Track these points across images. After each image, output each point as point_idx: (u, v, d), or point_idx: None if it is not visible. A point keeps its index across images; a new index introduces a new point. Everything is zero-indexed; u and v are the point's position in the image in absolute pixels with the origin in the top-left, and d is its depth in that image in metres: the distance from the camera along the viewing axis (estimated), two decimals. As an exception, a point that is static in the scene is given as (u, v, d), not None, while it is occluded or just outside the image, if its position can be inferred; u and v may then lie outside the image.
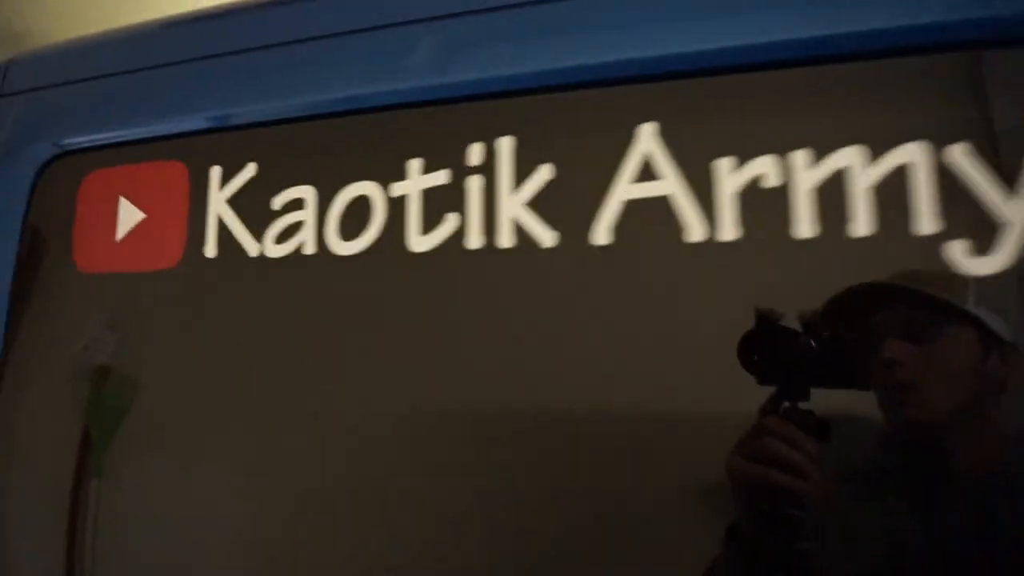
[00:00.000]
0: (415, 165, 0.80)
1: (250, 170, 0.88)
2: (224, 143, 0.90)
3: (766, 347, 0.51)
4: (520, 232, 0.75)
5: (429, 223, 0.79)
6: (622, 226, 0.72)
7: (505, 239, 0.76)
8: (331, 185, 0.83)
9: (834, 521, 0.50)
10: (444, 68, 0.79)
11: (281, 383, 0.84)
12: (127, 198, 0.95)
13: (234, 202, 0.88)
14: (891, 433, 0.52)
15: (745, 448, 0.49)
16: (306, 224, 0.84)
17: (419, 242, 0.79)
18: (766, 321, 0.55)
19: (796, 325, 0.53)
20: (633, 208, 0.72)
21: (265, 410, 0.84)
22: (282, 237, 0.85)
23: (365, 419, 0.81)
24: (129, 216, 0.94)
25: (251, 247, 0.87)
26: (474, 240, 0.77)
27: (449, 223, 0.78)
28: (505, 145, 0.77)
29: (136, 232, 0.94)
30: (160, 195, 0.93)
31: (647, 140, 0.72)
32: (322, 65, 0.84)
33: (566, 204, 0.74)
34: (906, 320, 0.53)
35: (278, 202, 0.86)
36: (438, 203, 0.79)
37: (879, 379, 0.49)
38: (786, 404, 0.49)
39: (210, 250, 0.89)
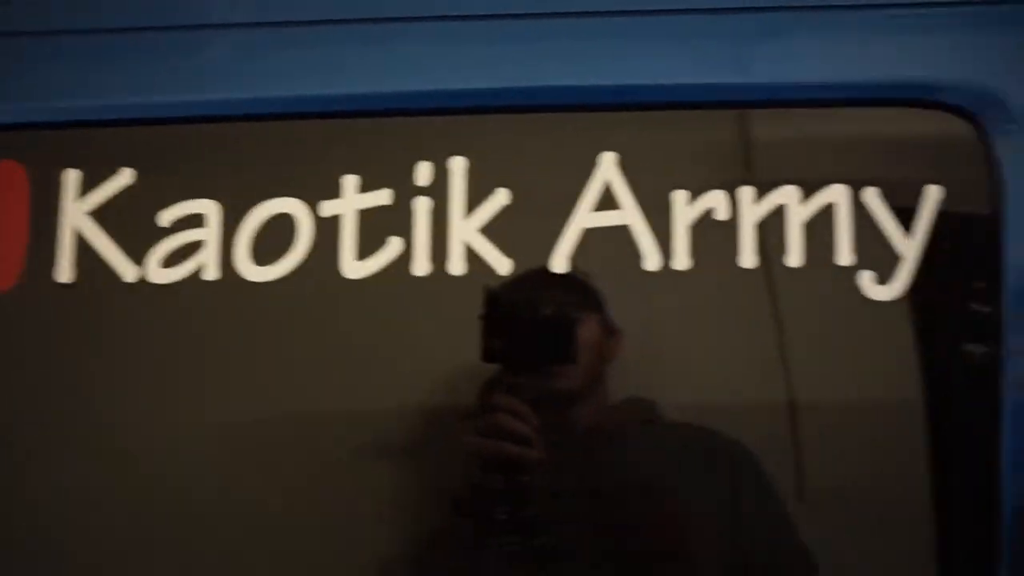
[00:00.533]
0: (351, 182, 0.72)
1: (125, 177, 0.73)
2: (86, 142, 0.74)
3: (495, 327, 0.54)
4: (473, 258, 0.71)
5: (367, 247, 0.72)
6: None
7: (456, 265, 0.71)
8: (242, 201, 0.72)
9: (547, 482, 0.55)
10: (388, 76, 0.73)
11: (169, 426, 0.70)
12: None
13: (100, 216, 0.72)
14: (560, 399, 0.60)
15: (477, 424, 0.50)
16: (207, 245, 0.71)
17: (355, 268, 0.71)
18: (492, 304, 0.61)
19: (519, 307, 0.58)
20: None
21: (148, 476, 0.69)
22: (173, 259, 0.71)
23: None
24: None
25: (127, 270, 0.71)
26: (421, 266, 0.71)
27: (392, 247, 0.71)
28: (457, 166, 0.72)
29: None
30: (-20, 202, 0.73)
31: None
32: (236, 57, 0.73)
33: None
34: (571, 303, 0.62)
35: (167, 218, 0.72)
36: (379, 225, 0.72)
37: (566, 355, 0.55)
38: (511, 379, 0.50)
39: (63, 273, 0.71)
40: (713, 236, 0.72)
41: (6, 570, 0.68)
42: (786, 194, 0.73)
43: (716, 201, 0.72)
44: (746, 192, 0.73)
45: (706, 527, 0.57)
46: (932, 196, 0.72)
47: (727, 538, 0.58)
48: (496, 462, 0.51)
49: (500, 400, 0.52)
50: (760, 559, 0.59)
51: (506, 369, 0.53)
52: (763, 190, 0.73)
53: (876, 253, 0.71)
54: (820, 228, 0.72)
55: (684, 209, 0.72)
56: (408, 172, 0.72)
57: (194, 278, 0.71)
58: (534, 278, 0.62)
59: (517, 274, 0.62)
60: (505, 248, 0.71)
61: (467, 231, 0.72)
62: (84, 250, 0.72)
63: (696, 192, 0.73)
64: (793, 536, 0.61)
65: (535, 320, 0.55)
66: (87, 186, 0.73)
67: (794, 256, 0.71)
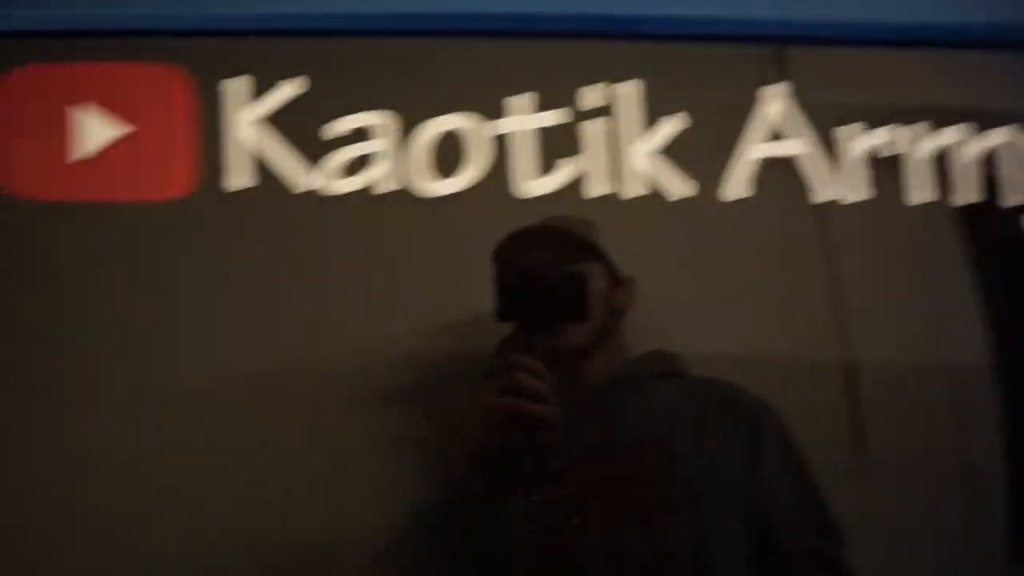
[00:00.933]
0: (521, 102, 0.72)
1: (297, 85, 0.72)
2: (257, 49, 0.73)
3: (507, 286, 0.55)
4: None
5: (542, 166, 0.72)
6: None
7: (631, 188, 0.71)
8: (416, 114, 0.72)
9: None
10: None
11: (344, 332, 0.69)
12: (89, 107, 0.72)
13: (273, 123, 0.72)
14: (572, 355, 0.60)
15: (496, 384, 0.52)
16: (381, 157, 0.71)
17: (531, 186, 0.71)
18: (506, 265, 0.61)
19: (529, 265, 0.59)
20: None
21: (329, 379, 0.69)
22: (346, 170, 0.71)
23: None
24: (93, 132, 0.71)
25: (298, 179, 0.71)
26: (596, 187, 0.71)
27: (567, 168, 0.71)
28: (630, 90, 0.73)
29: (110, 153, 0.71)
30: (143, 107, 0.72)
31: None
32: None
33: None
34: (578, 257, 0.60)
35: (339, 128, 0.71)
36: (553, 145, 0.72)
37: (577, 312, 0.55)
38: (528, 339, 0.53)
39: (235, 180, 0.71)
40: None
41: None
42: (953, 134, 0.74)
43: (884, 137, 0.73)
44: (915, 130, 0.73)
45: (721, 483, 0.57)
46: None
47: (743, 495, 0.58)
48: (517, 420, 0.53)
49: (517, 358, 0.52)
50: (780, 519, 0.59)
51: (521, 327, 0.53)
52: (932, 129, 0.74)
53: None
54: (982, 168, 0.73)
55: (853, 143, 0.73)
56: (581, 94, 0.72)
57: (367, 190, 0.71)
58: (540, 233, 0.61)
59: (524, 229, 0.61)
60: (678, 173, 0.72)
61: (640, 155, 0.72)
62: (255, 159, 0.71)
63: (865, 127, 0.73)
64: (817, 499, 0.61)
65: (546, 278, 0.55)
66: (256, 94, 0.72)
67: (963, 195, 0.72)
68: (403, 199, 0.71)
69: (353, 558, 0.65)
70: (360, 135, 0.71)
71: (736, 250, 0.71)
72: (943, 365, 0.72)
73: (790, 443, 0.60)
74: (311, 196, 0.71)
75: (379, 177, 0.71)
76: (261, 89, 0.72)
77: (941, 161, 0.73)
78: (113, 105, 0.72)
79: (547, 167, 0.71)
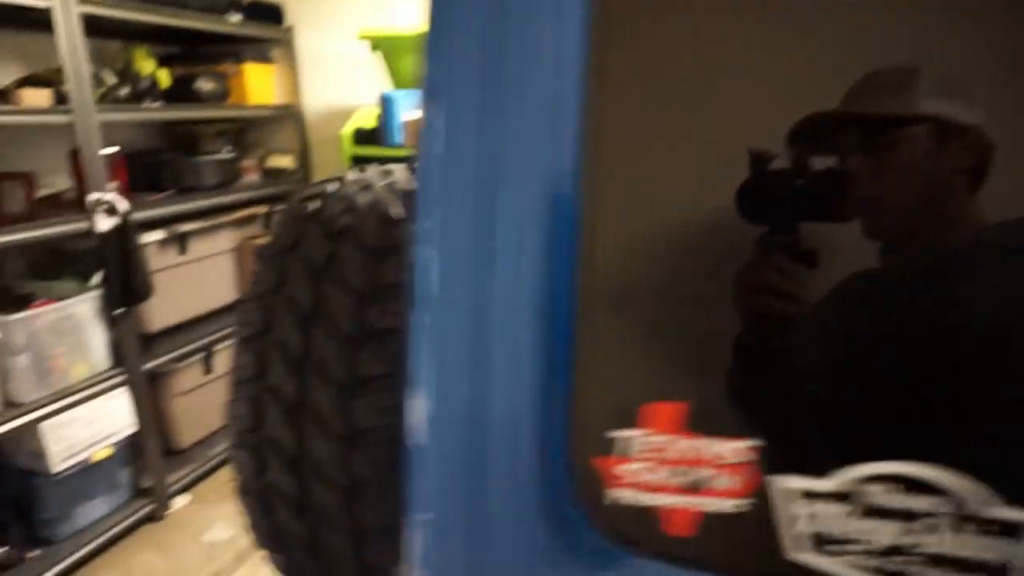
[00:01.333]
0: None
1: None
2: None
3: (760, 188, 0.52)
4: None
5: None
6: None
7: None
8: None
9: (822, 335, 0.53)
10: None
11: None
12: None
13: None
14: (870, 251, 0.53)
15: (745, 279, 0.52)
16: None
17: None
18: (760, 163, 0.55)
19: (783, 163, 0.54)
20: None
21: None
22: None
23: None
24: None
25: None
26: None
27: None
28: None
29: None
30: None
31: None
32: None
33: None
34: (859, 142, 0.53)
35: None
36: None
37: (855, 205, 0.52)
38: (779, 237, 0.52)
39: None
40: None
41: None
42: None
43: None
44: None
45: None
46: None
47: None
48: (764, 316, 0.52)
49: (768, 257, 0.51)
50: None
51: (776, 227, 0.52)
52: None
53: None
54: None
55: None
56: None
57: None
58: (817, 120, 0.53)
59: (805, 118, 0.52)
60: None
61: None
62: None
63: None
64: None
65: (788, 180, 0.52)
66: None
67: None
68: None
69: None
70: None
71: None
72: None
73: None
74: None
75: None
76: None
77: None
78: None
79: None
